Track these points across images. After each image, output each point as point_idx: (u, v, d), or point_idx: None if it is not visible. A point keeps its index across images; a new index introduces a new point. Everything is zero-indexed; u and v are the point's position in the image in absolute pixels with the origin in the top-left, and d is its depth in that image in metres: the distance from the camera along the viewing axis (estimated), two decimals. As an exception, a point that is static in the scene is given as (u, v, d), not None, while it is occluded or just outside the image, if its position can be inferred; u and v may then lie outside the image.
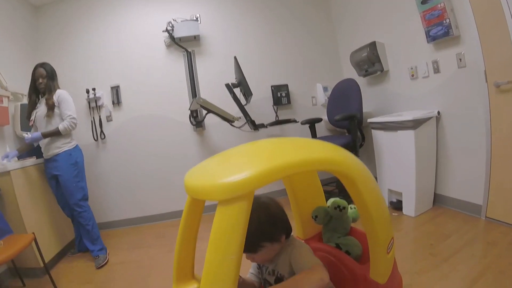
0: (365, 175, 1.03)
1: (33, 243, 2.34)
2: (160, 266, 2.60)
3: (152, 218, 3.89)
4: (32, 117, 2.88)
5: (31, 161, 2.88)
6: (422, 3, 2.61)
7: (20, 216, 2.58)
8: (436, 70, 2.72)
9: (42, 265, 2.44)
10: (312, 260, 1.08)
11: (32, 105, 2.91)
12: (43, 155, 2.91)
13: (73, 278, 2.62)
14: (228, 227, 0.75)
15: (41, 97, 2.94)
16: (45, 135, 2.80)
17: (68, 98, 2.90)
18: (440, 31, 2.51)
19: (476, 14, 2.28)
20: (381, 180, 3.09)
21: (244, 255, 1.00)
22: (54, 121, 2.86)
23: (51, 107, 2.84)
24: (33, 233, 2.37)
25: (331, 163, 0.93)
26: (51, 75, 2.93)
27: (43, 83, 2.86)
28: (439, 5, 2.47)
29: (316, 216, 1.43)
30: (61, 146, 2.89)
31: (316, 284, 0.96)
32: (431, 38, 2.61)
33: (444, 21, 2.46)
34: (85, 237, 2.98)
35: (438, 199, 2.89)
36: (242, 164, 0.85)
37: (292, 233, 1.22)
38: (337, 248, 1.35)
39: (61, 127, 2.80)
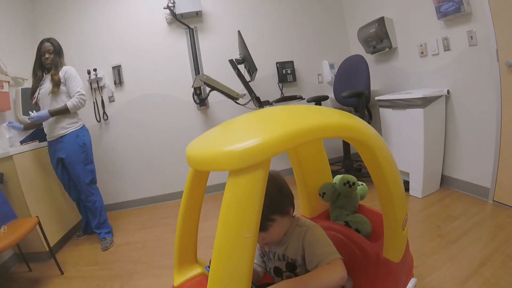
0: (383, 145, 0.96)
1: (38, 227, 2.34)
2: (165, 246, 2.65)
3: (157, 199, 3.91)
4: (36, 95, 2.75)
5: (33, 145, 2.86)
6: (433, -23, 2.49)
7: (24, 200, 2.57)
8: (446, 48, 2.62)
9: (47, 249, 2.46)
10: (330, 251, 0.98)
11: (37, 82, 2.77)
12: (47, 137, 2.81)
13: (78, 261, 2.64)
14: (242, 201, 0.65)
15: (46, 74, 2.80)
16: (52, 113, 2.66)
17: (76, 74, 2.79)
18: (451, 7, 2.39)
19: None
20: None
21: None
22: (59, 98, 2.73)
23: (56, 83, 2.71)
24: (37, 216, 2.37)
25: (351, 129, 0.85)
26: (58, 50, 2.81)
27: (49, 58, 2.73)
28: (450, -20, 2.35)
29: (323, 193, 1.40)
30: (67, 127, 2.77)
31: (337, 283, 0.90)
32: (442, 14, 2.50)
33: (456, -3, 2.34)
34: (92, 220, 2.94)
35: (445, 181, 2.84)
36: (255, 130, 0.75)
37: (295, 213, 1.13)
38: (346, 226, 1.32)
39: (69, 104, 2.69)
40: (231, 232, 0.65)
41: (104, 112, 3.75)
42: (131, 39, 3.80)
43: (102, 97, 3.75)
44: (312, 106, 1.04)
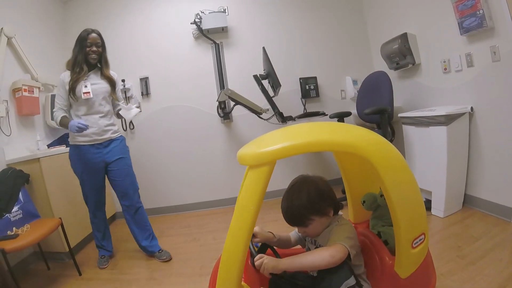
0: (393, 163, 1.07)
1: (60, 228, 2.42)
2: (183, 254, 2.66)
3: (177, 208, 3.97)
4: (88, 89, 2.42)
5: (60, 149, 2.97)
6: (455, -8, 2.49)
7: (48, 201, 2.68)
8: (470, 64, 2.58)
9: (67, 249, 2.52)
10: (339, 238, 1.16)
11: (81, 77, 2.42)
12: (88, 139, 2.47)
13: (97, 263, 2.68)
14: (252, 185, 0.98)
15: (88, 69, 2.50)
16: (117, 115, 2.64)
17: None
18: (473, 22, 2.37)
19: (511, 4, 2.14)
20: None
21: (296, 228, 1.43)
22: (110, 100, 2.62)
23: (112, 83, 2.58)
24: (60, 218, 2.46)
25: (346, 146, 1.03)
26: (105, 46, 2.57)
27: (97, 52, 2.47)
28: (472, -5, 2.34)
29: (364, 202, 1.46)
30: (117, 131, 2.66)
31: (324, 259, 1.09)
32: (464, 30, 2.48)
33: (478, 12, 2.31)
34: (141, 234, 2.68)
35: (468, 200, 2.75)
36: (269, 142, 1.04)
37: (341, 213, 1.36)
38: (377, 235, 1.37)
39: (133, 113, 2.60)
40: (241, 204, 0.99)
41: (131, 122, 3.87)
42: (159, 52, 3.95)
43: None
44: (331, 123, 1.22)
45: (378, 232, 1.37)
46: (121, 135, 2.69)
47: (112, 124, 2.61)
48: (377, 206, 1.43)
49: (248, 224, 0.97)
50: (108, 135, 2.55)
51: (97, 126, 2.48)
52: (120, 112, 2.63)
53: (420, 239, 1.11)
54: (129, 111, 2.60)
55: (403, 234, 1.08)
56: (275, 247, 1.35)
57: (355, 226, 1.50)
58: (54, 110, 2.48)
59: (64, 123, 2.40)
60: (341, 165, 1.49)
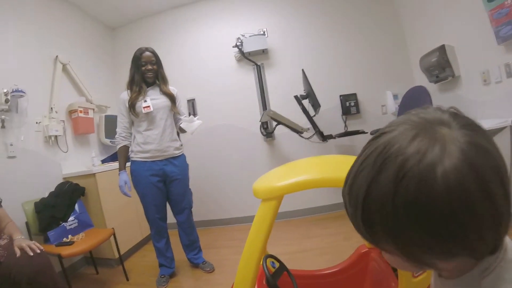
0: None
1: (111, 236, 2.64)
2: (229, 266, 2.75)
3: (224, 222, 4.11)
4: (148, 104, 2.46)
5: (113, 165, 3.19)
6: (488, 0, 2.38)
7: (101, 212, 2.93)
8: (509, 74, 2.46)
9: (117, 256, 2.74)
10: None
11: (141, 95, 2.50)
12: (152, 154, 2.51)
13: (144, 270, 2.89)
14: (262, 216, 1.08)
15: (146, 87, 2.57)
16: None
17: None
18: (510, 30, 2.27)
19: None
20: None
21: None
22: (173, 116, 2.66)
23: (172, 98, 2.60)
24: (113, 228, 2.67)
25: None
26: (160, 62, 2.62)
27: (152, 70, 2.53)
28: (506, 2, 2.23)
29: None
30: (180, 148, 2.70)
31: None
32: (501, 39, 2.38)
33: (513, 19, 2.24)
34: (190, 246, 2.78)
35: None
36: (280, 177, 1.16)
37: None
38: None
39: (196, 125, 2.58)
40: (253, 234, 1.09)
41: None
42: (204, 75, 4.20)
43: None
44: (339, 158, 1.32)
45: None
46: (183, 153, 2.75)
47: (175, 140, 2.64)
48: None
49: (258, 251, 1.07)
50: (170, 152, 2.58)
51: (158, 142, 2.51)
52: (181, 125, 2.61)
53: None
54: (191, 124, 2.58)
55: None
56: (290, 270, 1.38)
57: (369, 250, 1.52)
58: (117, 129, 2.61)
59: (120, 155, 2.57)
60: None
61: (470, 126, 0.45)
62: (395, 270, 1.30)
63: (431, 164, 0.40)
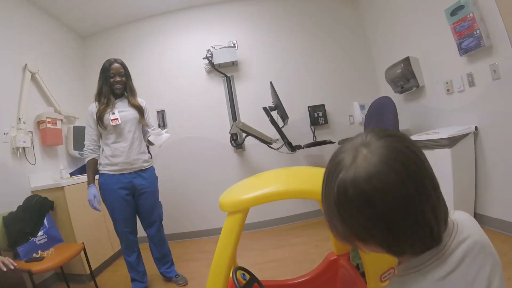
0: None
1: (82, 251, 2.58)
2: (199, 278, 2.72)
3: (194, 234, 4.07)
4: (116, 116, 2.42)
5: (82, 178, 3.12)
6: (451, 14, 2.53)
7: (71, 227, 2.84)
8: (471, 84, 2.61)
9: (88, 272, 2.68)
10: None
11: (109, 108, 2.46)
12: (120, 167, 2.47)
13: (116, 286, 2.83)
14: (228, 230, 1.10)
15: (115, 99, 2.54)
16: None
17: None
18: (471, 42, 2.42)
19: (507, 22, 2.18)
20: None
21: None
22: (141, 128, 2.64)
23: (140, 110, 2.57)
24: (83, 243, 2.62)
25: (310, 193, 1.11)
26: (129, 74, 2.59)
27: (121, 82, 2.50)
28: (468, 16, 2.39)
29: None
30: (149, 161, 2.67)
31: None
32: (463, 50, 2.53)
33: (475, 32, 2.36)
34: (162, 260, 2.74)
35: (478, 219, 2.67)
36: (245, 189, 1.20)
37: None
38: (356, 267, 1.41)
39: (164, 138, 2.60)
40: (220, 246, 1.11)
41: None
42: (174, 86, 4.19)
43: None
44: (303, 170, 1.42)
45: (357, 264, 1.42)
46: (152, 166, 2.72)
47: (143, 153, 2.61)
48: None
49: (226, 264, 1.08)
50: (138, 164, 2.55)
51: (126, 155, 2.47)
52: (149, 138, 2.60)
53: (389, 273, 1.14)
54: (159, 137, 2.58)
55: (369, 269, 1.13)
56: (260, 280, 1.39)
57: (337, 258, 1.55)
58: (85, 142, 2.55)
59: (88, 168, 2.52)
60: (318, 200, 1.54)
61: (388, 136, 0.59)
62: (363, 275, 1.32)
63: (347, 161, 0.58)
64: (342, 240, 0.64)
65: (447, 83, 2.89)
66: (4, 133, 2.83)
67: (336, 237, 0.65)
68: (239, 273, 1.40)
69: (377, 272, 1.13)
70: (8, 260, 1.80)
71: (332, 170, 0.61)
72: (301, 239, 3.30)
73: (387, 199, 0.54)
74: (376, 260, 1.11)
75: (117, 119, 2.42)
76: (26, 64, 3.14)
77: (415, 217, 0.55)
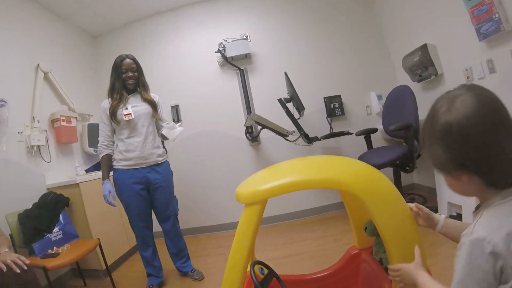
0: (383, 197, 1.07)
1: (98, 247, 2.58)
2: (216, 274, 2.70)
3: (211, 228, 4.05)
4: (129, 111, 2.42)
5: (97, 174, 3.10)
6: (468, -2, 2.43)
7: (86, 223, 2.86)
8: (492, 70, 2.49)
9: (104, 267, 2.68)
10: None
11: (121, 103, 2.46)
12: (134, 161, 2.47)
13: (132, 281, 2.83)
14: (245, 222, 1.06)
15: (126, 94, 2.53)
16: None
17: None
18: (490, 27, 2.30)
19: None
20: (440, 193, 2.91)
21: None
22: (155, 122, 2.63)
23: (154, 105, 2.57)
24: (98, 238, 2.61)
25: (332, 182, 1.08)
26: (141, 69, 2.59)
27: (133, 77, 2.50)
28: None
29: (366, 228, 1.43)
30: (163, 155, 2.65)
31: None
32: (483, 35, 2.41)
33: (494, 16, 2.24)
34: (178, 255, 2.73)
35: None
36: (263, 180, 1.15)
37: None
38: (379, 262, 1.36)
39: (177, 132, 2.59)
40: (237, 240, 1.07)
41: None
42: (187, 81, 4.16)
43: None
44: (321, 159, 1.32)
45: (380, 258, 1.36)
46: (166, 160, 2.70)
47: (157, 147, 2.59)
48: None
49: (244, 258, 1.04)
50: (153, 159, 2.53)
51: (140, 149, 2.46)
52: (163, 132, 2.60)
53: None
54: (173, 131, 2.58)
55: (396, 264, 1.05)
56: (279, 276, 1.35)
57: (359, 252, 1.50)
58: (99, 138, 2.55)
59: (103, 164, 2.52)
60: (343, 195, 1.50)
61: (477, 95, 0.76)
62: (387, 271, 1.28)
63: (443, 109, 0.78)
64: (440, 168, 0.82)
65: (466, 70, 2.76)
66: (19, 132, 2.85)
67: (435, 164, 0.83)
68: (256, 267, 1.36)
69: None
70: (20, 259, 1.78)
71: (434, 112, 0.80)
72: (317, 234, 3.24)
73: (482, 132, 0.71)
74: (403, 255, 1.05)
75: (130, 114, 2.41)
76: (38, 64, 3.16)
77: (503, 151, 0.72)
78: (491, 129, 0.72)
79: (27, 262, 1.81)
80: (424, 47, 3.08)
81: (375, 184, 1.08)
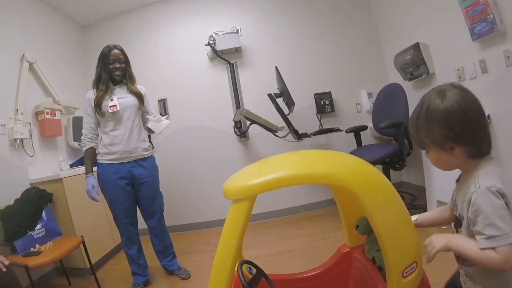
0: (372, 185, 1.03)
1: (81, 245, 2.52)
2: (204, 272, 2.65)
3: (198, 225, 4.00)
4: (114, 102, 2.36)
5: (82, 169, 2.96)
6: (463, -2, 2.42)
7: (70, 220, 2.78)
8: (484, 70, 2.49)
9: (88, 266, 2.61)
10: (493, 236, 0.82)
11: (107, 95, 2.39)
12: (119, 155, 2.40)
13: (117, 280, 2.77)
14: (233, 220, 0.99)
15: (112, 85, 2.46)
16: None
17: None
18: (484, 27, 2.29)
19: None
20: (430, 191, 2.92)
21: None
22: (141, 115, 2.56)
23: (140, 97, 2.50)
24: (82, 236, 2.55)
25: (326, 177, 1.03)
26: (129, 61, 2.52)
27: (120, 68, 2.43)
28: (481, 0, 2.27)
29: (357, 226, 1.39)
30: (148, 149, 2.58)
31: (492, 261, 0.82)
32: (476, 36, 2.40)
33: (488, 17, 2.24)
34: (164, 252, 2.68)
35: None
36: (251, 176, 1.07)
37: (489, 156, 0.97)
38: (372, 261, 1.32)
39: (163, 125, 2.52)
40: (224, 238, 1.00)
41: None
42: (175, 74, 4.08)
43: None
44: (310, 153, 1.27)
45: (373, 257, 1.32)
46: (152, 155, 2.64)
47: (143, 141, 2.53)
48: (371, 230, 1.36)
49: (231, 258, 0.98)
50: (138, 153, 2.47)
51: (125, 143, 2.40)
52: (149, 125, 2.53)
53: (412, 268, 1.03)
54: (159, 124, 2.52)
55: (391, 263, 1.02)
56: (267, 274, 1.31)
57: (351, 250, 1.45)
58: (82, 130, 2.48)
59: (86, 158, 2.46)
60: (335, 192, 1.45)
61: (460, 88, 0.94)
62: (381, 270, 1.25)
63: (438, 100, 0.93)
64: (438, 145, 0.95)
65: (458, 70, 2.75)
66: (1, 125, 2.76)
67: (433, 143, 0.96)
68: (244, 267, 1.32)
69: (399, 267, 1.02)
70: None
71: (429, 103, 0.95)
72: (307, 231, 3.23)
73: (472, 113, 0.90)
74: (398, 253, 1.01)
75: (115, 105, 2.35)
76: (23, 54, 3.05)
77: (486, 128, 0.93)
78: (481, 108, 0.93)
79: (6, 263, 1.76)
80: (416, 46, 3.07)
81: (370, 179, 1.03)
